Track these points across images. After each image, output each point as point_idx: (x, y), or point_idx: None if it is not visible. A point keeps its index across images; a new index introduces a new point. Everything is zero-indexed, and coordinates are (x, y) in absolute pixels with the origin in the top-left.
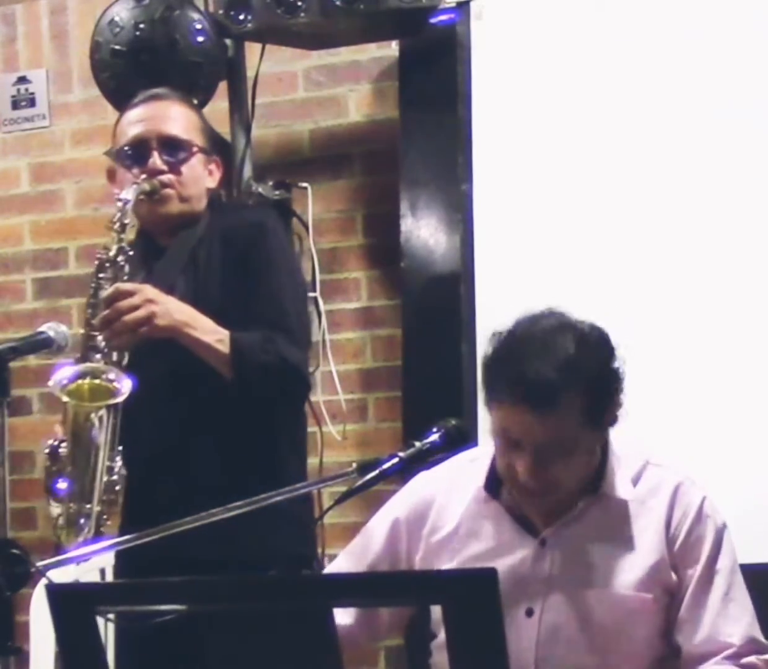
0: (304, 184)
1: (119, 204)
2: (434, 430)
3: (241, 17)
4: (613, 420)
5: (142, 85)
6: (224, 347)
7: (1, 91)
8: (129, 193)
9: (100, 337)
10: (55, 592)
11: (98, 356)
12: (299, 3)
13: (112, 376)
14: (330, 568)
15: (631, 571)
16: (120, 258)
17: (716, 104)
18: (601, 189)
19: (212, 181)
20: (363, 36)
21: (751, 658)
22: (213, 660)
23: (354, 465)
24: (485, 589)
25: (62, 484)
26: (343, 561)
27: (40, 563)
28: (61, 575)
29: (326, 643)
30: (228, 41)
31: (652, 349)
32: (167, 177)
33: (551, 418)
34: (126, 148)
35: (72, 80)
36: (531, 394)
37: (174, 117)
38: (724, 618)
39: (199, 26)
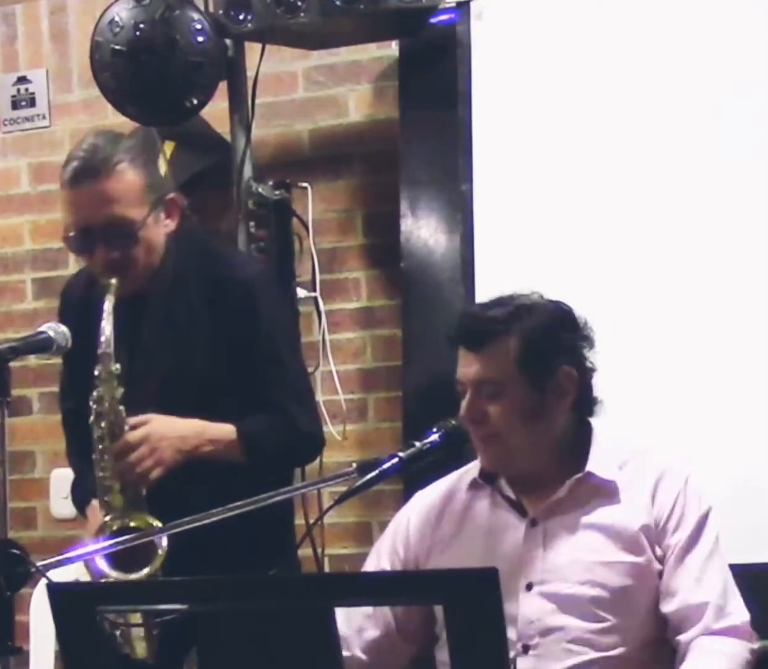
0: (304, 184)
1: (99, 350)
2: (434, 430)
3: (241, 17)
4: (560, 390)
5: (142, 84)
6: (236, 449)
7: (1, 91)
8: (107, 327)
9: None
10: (56, 592)
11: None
12: (299, 3)
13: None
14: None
15: (619, 538)
16: (119, 407)
17: (716, 104)
18: (601, 188)
19: (172, 224)
20: (363, 36)
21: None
22: (214, 660)
23: (354, 465)
24: (486, 588)
25: None
26: None
27: (40, 563)
28: (61, 575)
29: (327, 643)
30: (228, 41)
31: (649, 346)
32: (122, 263)
33: (483, 356)
34: (71, 234)
35: (72, 80)
36: (467, 334)
37: (108, 197)
38: (699, 581)
39: (199, 26)
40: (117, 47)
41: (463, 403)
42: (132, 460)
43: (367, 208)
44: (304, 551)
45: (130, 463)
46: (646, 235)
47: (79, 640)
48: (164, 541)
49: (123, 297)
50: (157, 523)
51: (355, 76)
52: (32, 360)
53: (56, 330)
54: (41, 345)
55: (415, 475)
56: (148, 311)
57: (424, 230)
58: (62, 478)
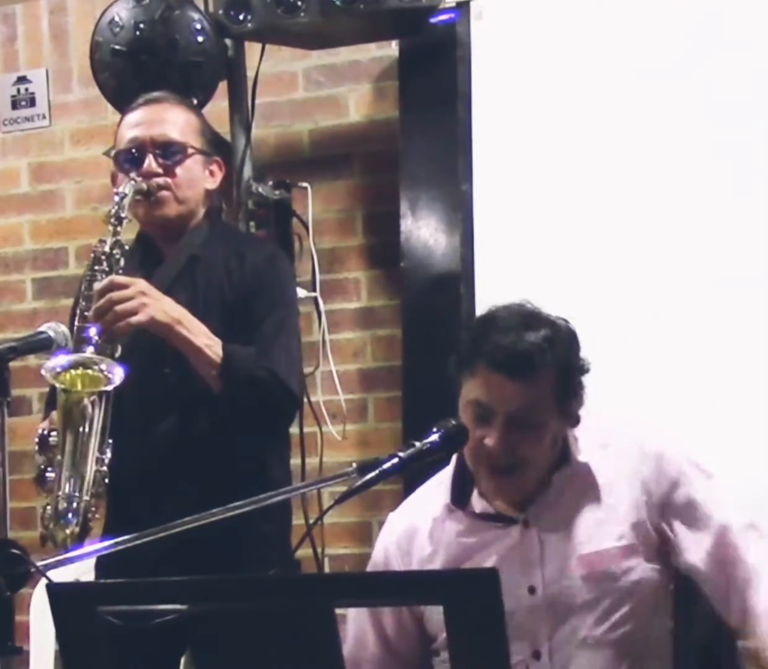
0: (304, 184)
1: (116, 198)
2: (434, 430)
3: (241, 17)
4: (576, 417)
5: (142, 85)
6: (214, 354)
7: (1, 91)
8: (126, 188)
9: (92, 330)
10: (56, 592)
11: (90, 348)
12: (299, 3)
13: (104, 366)
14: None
15: (610, 526)
16: (116, 251)
17: (716, 104)
18: (600, 188)
19: (212, 182)
20: (363, 36)
21: None
22: (214, 660)
23: (354, 465)
24: (486, 588)
25: (51, 474)
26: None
27: (40, 563)
28: (61, 575)
29: (327, 643)
30: (228, 41)
31: (650, 346)
32: (163, 179)
33: (526, 386)
34: (123, 151)
35: (72, 80)
36: (510, 361)
37: (170, 120)
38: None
39: (199, 26)
40: (117, 47)
41: (495, 434)
42: (116, 296)
43: (367, 208)
44: (304, 551)
45: (113, 300)
46: (645, 234)
47: (79, 640)
48: (116, 378)
49: (148, 232)
50: (104, 366)
51: (355, 76)
52: (32, 360)
53: (56, 330)
54: (41, 345)
55: (415, 475)
56: (167, 265)
57: (424, 230)
58: None
